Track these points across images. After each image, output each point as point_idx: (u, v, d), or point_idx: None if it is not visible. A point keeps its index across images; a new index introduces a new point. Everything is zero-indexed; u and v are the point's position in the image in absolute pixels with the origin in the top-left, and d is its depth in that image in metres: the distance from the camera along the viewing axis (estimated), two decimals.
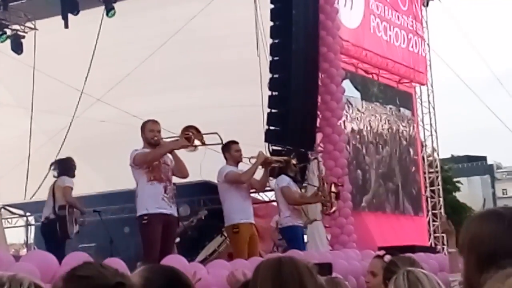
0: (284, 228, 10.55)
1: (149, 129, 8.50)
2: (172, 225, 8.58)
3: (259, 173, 9.99)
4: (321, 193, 10.89)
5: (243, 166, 9.79)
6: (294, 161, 10.34)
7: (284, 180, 10.44)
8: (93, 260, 6.03)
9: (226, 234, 11.42)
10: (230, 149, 9.67)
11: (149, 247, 8.25)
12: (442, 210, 18.59)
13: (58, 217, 10.60)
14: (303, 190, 11.72)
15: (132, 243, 12.70)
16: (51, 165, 11.39)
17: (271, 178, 10.61)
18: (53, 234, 10.53)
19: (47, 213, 10.78)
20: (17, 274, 2.18)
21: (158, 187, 8.35)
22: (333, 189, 11.02)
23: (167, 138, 8.62)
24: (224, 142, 9.32)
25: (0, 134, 17.34)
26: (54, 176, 11.10)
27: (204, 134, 8.73)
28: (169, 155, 8.52)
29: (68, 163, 11.28)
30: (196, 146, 8.59)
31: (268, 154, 11.58)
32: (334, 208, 11.16)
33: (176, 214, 8.70)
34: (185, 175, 8.73)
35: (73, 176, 11.11)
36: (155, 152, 8.40)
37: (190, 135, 8.50)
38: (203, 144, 8.66)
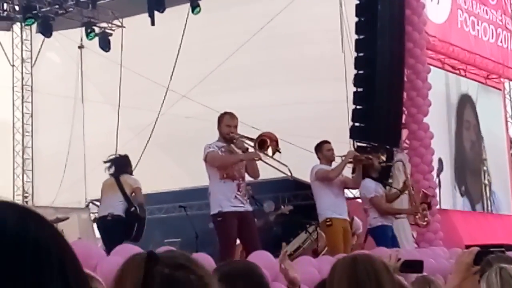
0: (374, 228, 10.51)
1: (226, 124, 8.34)
2: (249, 221, 8.43)
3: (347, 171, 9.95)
4: (414, 203, 10.85)
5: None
6: (383, 157, 10.24)
7: (370, 188, 10.38)
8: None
9: (310, 231, 11.41)
10: (322, 149, 9.68)
11: (224, 244, 8.18)
12: None
13: (137, 217, 10.21)
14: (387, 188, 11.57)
15: (217, 239, 12.78)
16: (106, 162, 10.73)
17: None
18: (121, 233, 9.93)
19: (115, 210, 10.18)
20: None
21: (231, 185, 8.22)
22: (423, 199, 10.95)
23: (244, 137, 8.46)
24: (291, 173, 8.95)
25: (88, 130, 17.70)
26: (111, 174, 10.49)
27: (276, 163, 8.49)
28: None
29: (127, 160, 10.81)
30: (265, 157, 8.36)
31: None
32: (426, 220, 11.05)
33: (251, 209, 8.59)
34: (255, 176, 8.51)
35: (132, 174, 10.72)
36: (224, 161, 8.25)
37: (266, 141, 8.31)
38: (273, 155, 8.38)
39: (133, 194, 10.30)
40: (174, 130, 16.53)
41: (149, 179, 16.20)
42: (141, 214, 10.28)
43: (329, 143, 9.75)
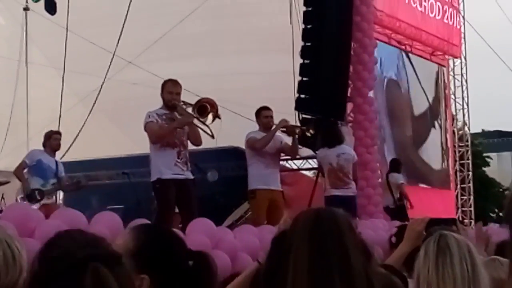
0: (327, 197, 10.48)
1: (168, 91, 8.33)
2: (189, 189, 8.35)
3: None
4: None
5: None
6: (311, 131, 10.28)
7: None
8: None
9: None
10: (260, 115, 9.64)
11: (162, 212, 8.16)
12: (471, 184, 18.51)
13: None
14: None
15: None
16: None
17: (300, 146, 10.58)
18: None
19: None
20: None
21: (171, 153, 8.23)
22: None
23: (186, 103, 8.45)
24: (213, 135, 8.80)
25: (32, 94, 17.43)
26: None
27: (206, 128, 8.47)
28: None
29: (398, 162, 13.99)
30: (199, 122, 8.37)
31: (298, 123, 11.57)
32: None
33: (191, 177, 8.49)
34: (198, 143, 8.44)
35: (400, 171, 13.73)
36: (159, 134, 8.24)
37: (207, 106, 8.32)
38: (213, 121, 8.42)
39: None
40: (119, 96, 16.39)
41: (94, 145, 16.12)
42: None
43: (268, 109, 9.67)
